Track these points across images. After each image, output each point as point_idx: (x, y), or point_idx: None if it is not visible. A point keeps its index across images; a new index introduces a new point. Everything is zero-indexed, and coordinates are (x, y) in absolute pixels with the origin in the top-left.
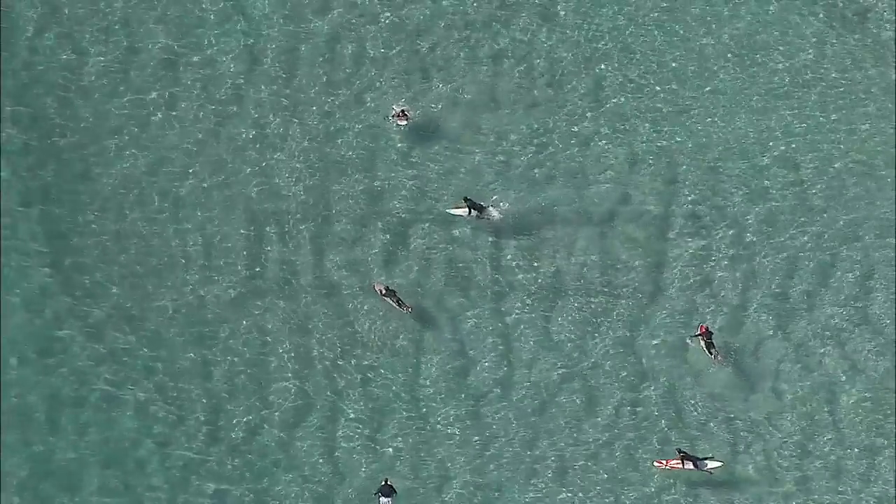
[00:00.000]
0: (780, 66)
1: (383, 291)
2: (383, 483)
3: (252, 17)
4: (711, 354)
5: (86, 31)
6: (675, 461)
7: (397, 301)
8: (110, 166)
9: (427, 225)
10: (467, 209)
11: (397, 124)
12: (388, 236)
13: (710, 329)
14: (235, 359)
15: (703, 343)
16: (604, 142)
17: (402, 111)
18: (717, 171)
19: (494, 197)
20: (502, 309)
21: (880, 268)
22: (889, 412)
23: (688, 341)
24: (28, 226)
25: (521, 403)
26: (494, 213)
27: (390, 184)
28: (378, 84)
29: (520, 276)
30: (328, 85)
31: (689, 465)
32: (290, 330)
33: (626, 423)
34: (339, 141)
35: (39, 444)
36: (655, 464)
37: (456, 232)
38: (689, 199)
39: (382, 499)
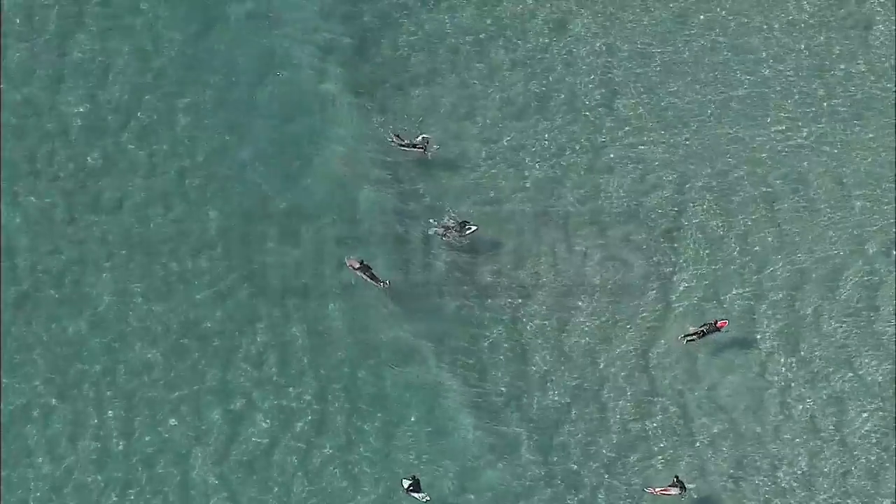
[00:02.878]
0: (784, 78)
1: (356, 266)
2: (412, 478)
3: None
4: (694, 338)
5: None
6: (666, 489)
7: (371, 276)
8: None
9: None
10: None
11: (428, 152)
12: (394, 244)
13: (718, 328)
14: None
15: (704, 330)
16: (612, 154)
17: (424, 140)
18: (724, 183)
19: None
20: (514, 321)
21: (887, 281)
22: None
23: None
24: None
25: (533, 417)
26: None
27: (400, 190)
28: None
29: (529, 287)
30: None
31: (676, 491)
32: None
33: (636, 437)
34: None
35: None
36: (648, 490)
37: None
38: (697, 211)
39: (416, 494)
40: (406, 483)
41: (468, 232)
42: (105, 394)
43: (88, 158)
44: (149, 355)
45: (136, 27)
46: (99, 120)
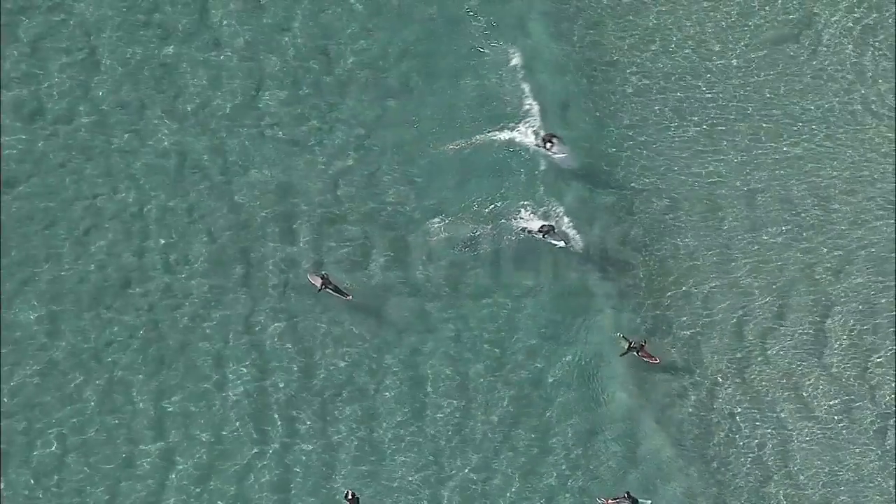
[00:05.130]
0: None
1: (318, 281)
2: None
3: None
4: (631, 349)
5: None
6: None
7: (335, 289)
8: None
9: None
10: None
11: (550, 151)
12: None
13: (644, 354)
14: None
15: (632, 343)
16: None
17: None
18: (671, 205)
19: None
20: (456, 343)
21: (837, 309)
22: (842, 460)
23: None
24: None
25: (473, 440)
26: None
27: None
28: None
29: (476, 310)
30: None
31: None
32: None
33: (580, 462)
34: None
35: None
36: (599, 500)
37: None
38: (643, 235)
39: None
40: (349, 494)
41: (554, 241)
42: None
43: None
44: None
45: None
46: None
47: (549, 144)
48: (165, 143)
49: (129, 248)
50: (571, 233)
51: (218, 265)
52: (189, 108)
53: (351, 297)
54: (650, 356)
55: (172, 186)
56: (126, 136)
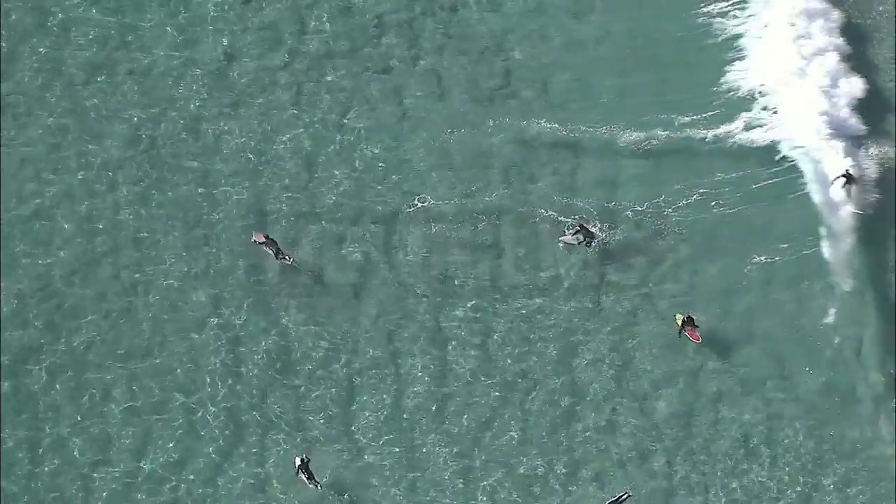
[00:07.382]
0: None
1: (261, 241)
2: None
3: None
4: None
5: None
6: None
7: (277, 250)
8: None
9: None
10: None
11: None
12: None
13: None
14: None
15: (685, 319)
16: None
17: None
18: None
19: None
20: (440, 324)
21: (811, 273)
22: (816, 436)
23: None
24: None
25: (455, 427)
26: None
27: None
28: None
29: (460, 293)
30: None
31: None
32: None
33: (562, 450)
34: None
35: None
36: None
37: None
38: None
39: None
40: (297, 461)
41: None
42: None
43: None
44: None
45: None
46: None
47: (845, 179)
48: (134, 120)
49: (93, 233)
50: None
51: (189, 249)
52: (161, 81)
53: (292, 260)
54: (695, 327)
55: (141, 166)
56: (93, 113)
